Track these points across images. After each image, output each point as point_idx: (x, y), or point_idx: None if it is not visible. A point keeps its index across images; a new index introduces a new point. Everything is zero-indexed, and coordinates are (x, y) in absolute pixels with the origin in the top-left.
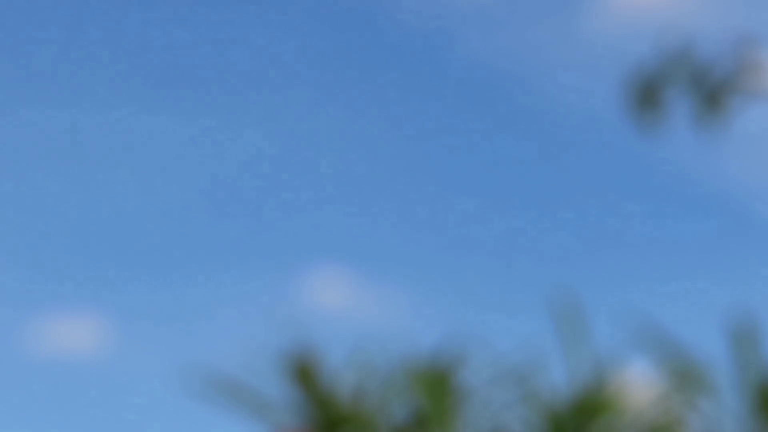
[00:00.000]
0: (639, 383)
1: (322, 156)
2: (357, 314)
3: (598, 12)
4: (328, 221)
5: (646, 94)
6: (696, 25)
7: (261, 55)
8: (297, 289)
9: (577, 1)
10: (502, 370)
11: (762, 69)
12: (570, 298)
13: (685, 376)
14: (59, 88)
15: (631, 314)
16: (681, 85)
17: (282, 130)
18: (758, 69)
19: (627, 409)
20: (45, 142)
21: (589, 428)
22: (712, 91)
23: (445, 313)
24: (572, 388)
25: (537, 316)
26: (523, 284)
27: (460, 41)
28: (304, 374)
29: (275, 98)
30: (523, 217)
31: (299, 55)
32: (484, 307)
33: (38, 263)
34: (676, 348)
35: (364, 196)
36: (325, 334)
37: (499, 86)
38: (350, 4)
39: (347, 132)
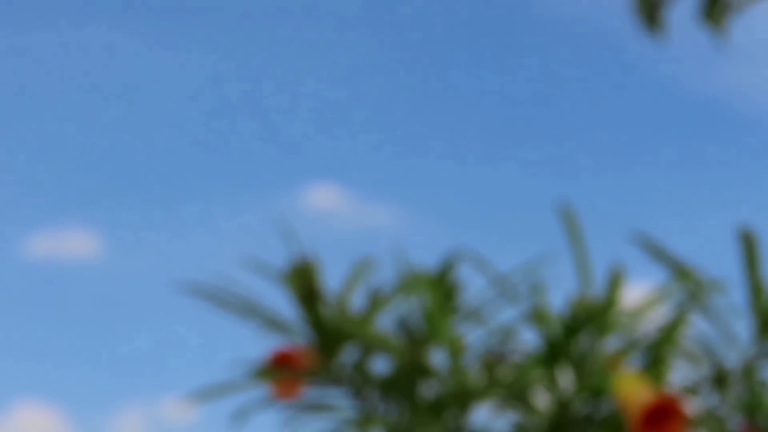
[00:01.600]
0: (641, 300)
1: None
2: (353, 233)
3: None
4: (325, 141)
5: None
6: None
7: None
8: (294, 207)
9: None
10: (501, 288)
11: None
12: (573, 215)
13: (690, 293)
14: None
15: (636, 233)
16: None
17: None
18: None
19: (626, 326)
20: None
21: (585, 345)
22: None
23: (444, 234)
24: (572, 304)
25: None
26: (525, 204)
27: None
28: (303, 282)
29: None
30: (526, 139)
31: None
32: (485, 230)
33: (41, 180)
34: (680, 266)
35: (362, 119)
36: (322, 250)
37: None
38: None
39: (336, 58)
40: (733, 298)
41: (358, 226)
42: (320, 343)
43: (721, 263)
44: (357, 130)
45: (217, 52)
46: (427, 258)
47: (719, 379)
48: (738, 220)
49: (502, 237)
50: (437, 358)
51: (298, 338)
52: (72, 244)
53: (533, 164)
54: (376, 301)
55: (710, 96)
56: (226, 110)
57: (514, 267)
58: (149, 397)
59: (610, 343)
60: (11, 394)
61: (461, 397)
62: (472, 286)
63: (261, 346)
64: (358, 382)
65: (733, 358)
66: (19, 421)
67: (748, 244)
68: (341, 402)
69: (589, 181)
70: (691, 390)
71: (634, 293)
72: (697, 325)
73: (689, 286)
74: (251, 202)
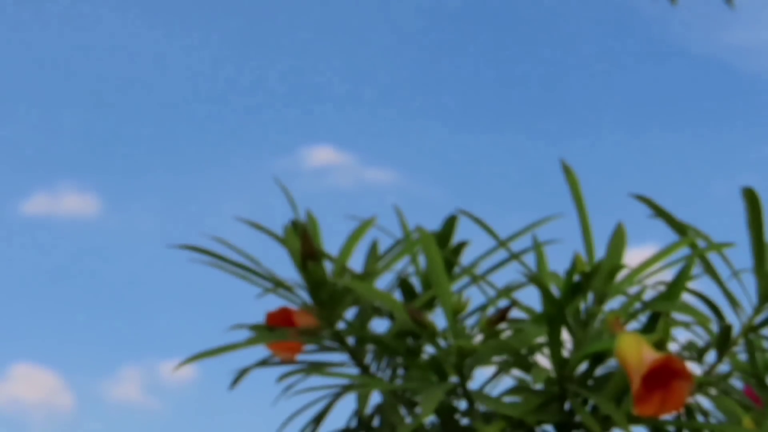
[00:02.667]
0: (644, 261)
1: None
2: (353, 195)
3: None
4: (322, 108)
5: None
6: None
7: None
8: (293, 170)
9: None
10: (503, 249)
11: None
12: (575, 176)
13: (694, 254)
14: None
15: (640, 195)
16: None
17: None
18: None
19: (628, 286)
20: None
21: (588, 306)
22: None
23: (444, 198)
24: (574, 265)
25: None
26: (527, 169)
27: None
28: (303, 242)
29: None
30: (524, 91)
31: None
32: (487, 195)
33: (39, 143)
34: (685, 227)
35: (362, 85)
36: (321, 210)
37: None
38: None
39: (337, 25)
40: (738, 260)
41: (358, 189)
42: (320, 303)
43: (726, 226)
44: (357, 96)
45: (217, 25)
46: (427, 220)
47: (722, 341)
48: (744, 182)
49: (503, 201)
50: (438, 318)
51: (298, 298)
52: (69, 205)
53: (535, 129)
54: (376, 261)
55: (717, 57)
56: (224, 77)
57: (515, 229)
58: (147, 360)
59: (613, 304)
60: (8, 359)
61: (462, 358)
62: (474, 246)
63: (260, 306)
64: (358, 342)
65: (736, 321)
66: (17, 385)
67: (753, 205)
68: (341, 362)
69: (593, 145)
70: (694, 351)
71: (637, 256)
72: (700, 287)
73: (693, 247)
74: (250, 166)
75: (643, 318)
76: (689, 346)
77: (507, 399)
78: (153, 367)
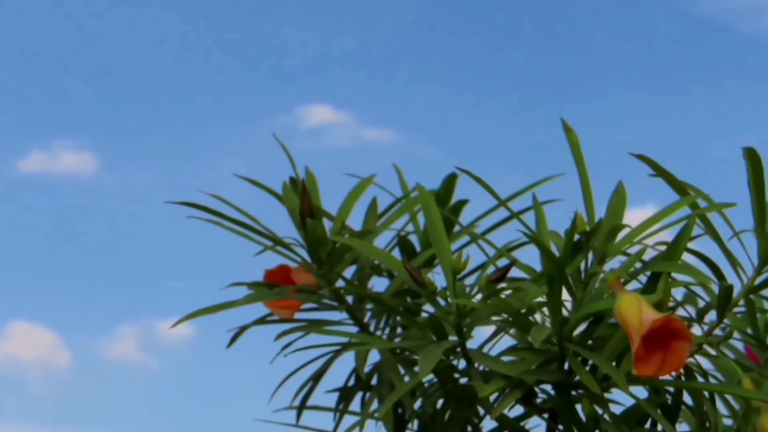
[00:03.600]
0: (645, 220)
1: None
2: (352, 154)
3: None
4: (320, 67)
5: None
6: None
7: None
8: (292, 129)
9: None
10: (503, 208)
11: None
12: (576, 136)
13: (695, 213)
14: None
15: (642, 155)
16: None
17: None
18: None
19: (629, 246)
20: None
21: (588, 265)
22: None
23: (443, 160)
24: (574, 224)
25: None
26: (529, 128)
27: None
28: (302, 200)
29: None
30: (524, 52)
31: None
32: (487, 157)
33: (36, 100)
34: (686, 186)
35: (358, 43)
36: (321, 169)
37: None
38: None
39: None
40: (739, 221)
41: (356, 148)
42: (319, 261)
43: (727, 187)
44: (355, 56)
45: None
46: (425, 181)
47: (723, 302)
48: (744, 143)
49: (503, 162)
50: (437, 277)
51: (297, 256)
52: (66, 163)
53: (535, 90)
54: (375, 220)
55: (717, 18)
56: (222, 37)
57: (515, 190)
58: (144, 319)
59: (613, 264)
60: (4, 317)
61: (461, 317)
62: (473, 206)
63: (259, 264)
64: (357, 300)
65: (737, 281)
66: (13, 343)
67: (754, 165)
68: (340, 320)
69: (593, 106)
70: (695, 311)
71: (637, 217)
72: (701, 248)
73: (694, 207)
74: (248, 125)
75: (643, 278)
76: (689, 300)
77: (506, 358)
78: (150, 325)
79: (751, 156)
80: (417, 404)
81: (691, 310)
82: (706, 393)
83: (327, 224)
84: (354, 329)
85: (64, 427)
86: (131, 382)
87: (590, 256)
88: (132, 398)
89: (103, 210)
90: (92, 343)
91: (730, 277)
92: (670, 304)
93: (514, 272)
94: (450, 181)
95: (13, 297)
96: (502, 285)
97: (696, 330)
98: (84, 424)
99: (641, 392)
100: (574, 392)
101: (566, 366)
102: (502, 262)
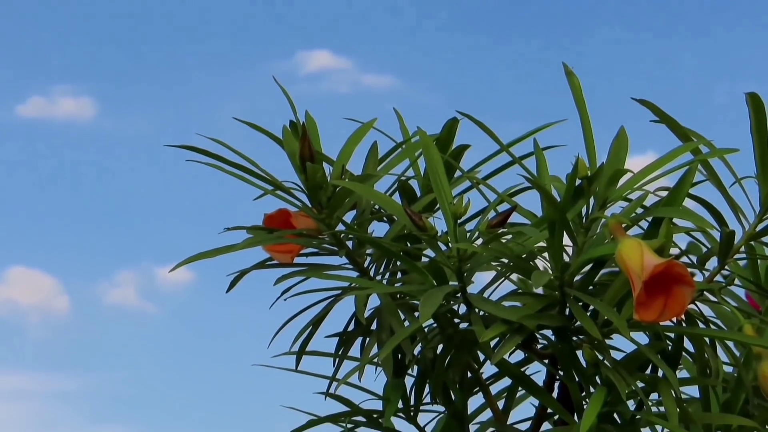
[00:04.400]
0: (647, 166)
1: None
2: (353, 98)
3: None
4: (320, 12)
5: None
6: None
7: None
8: (293, 73)
9: None
10: (505, 153)
11: None
12: (578, 81)
13: (697, 159)
14: None
15: (645, 101)
16: None
17: None
18: None
19: (630, 191)
20: None
21: (589, 211)
22: None
23: (444, 105)
24: (576, 170)
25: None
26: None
27: None
28: (302, 144)
29: None
30: (530, 8)
31: None
32: (488, 102)
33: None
34: (688, 132)
35: None
36: (321, 113)
37: None
38: None
39: None
40: (742, 167)
41: (356, 94)
42: (319, 205)
43: (729, 134)
44: (355, 1)
45: None
46: (426, 127)
47: (724, 248)
48: (746, 89)
49: (504, 109)
50: (438, 221)
51: (297, 201)
52: (65, 109)
53: (536, 35)
54: (376, 164)
55: None
56: None
57: (516, 136)
58: (143, 265)
59: (615, 209)
60: (4, 262)
61: (462, 262)
62: (474, 151)
63: (258, 208)
64: (357, 244)
65: (739, 227)
66: (13, 289)
67: (758, 111)
68: (340, 265)
69: (594, 51)
70: (696, 258)
71: (639, 164)
72: (703, 194)
73: (696, 152)
74: (248, 70)
75: (644, 223)
76: (691, 247)
77: (507, 303)
78: (149, 271)
79: (754, 102)
80: (417, 349)
81: (693, 257)
82: (707, 339)
83: (327, 168)
84: (354, 274)
85: (63, 372)
86: (130, 328)
87: (591, 201)
88: (131, 343)
89: (101, 155)
90: (91, 288)
91: (732, 223)
92: (672, 250)
93: (515, 217)
94: (451, 126)
95: (13, 242)
96: (503, 230)
97: (697, 276)
98: (83, 369)
99: (642, 338)
100: (574, 338)
101: (567, 311)
102: (503, 206)
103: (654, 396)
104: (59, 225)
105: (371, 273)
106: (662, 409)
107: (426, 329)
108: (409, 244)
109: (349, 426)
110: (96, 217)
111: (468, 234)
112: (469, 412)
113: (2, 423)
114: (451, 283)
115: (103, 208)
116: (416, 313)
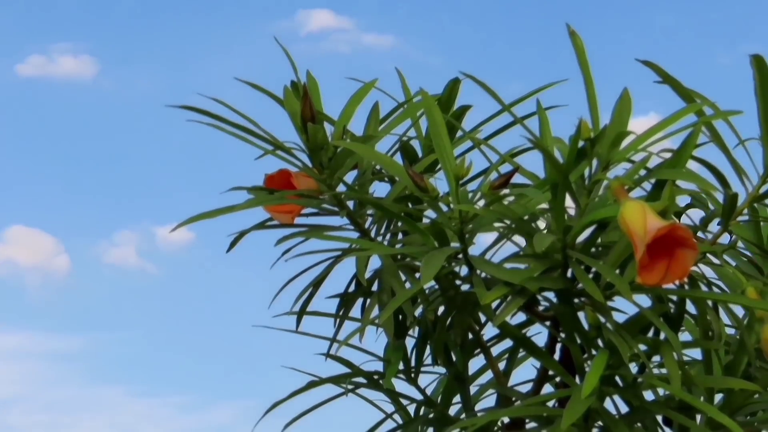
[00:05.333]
0: (650, 127)
1: None
2: (354, 58)
3: None
4: None
5: None
6: None
7: None
8: (294, 33)
9: None
10: (507, 113)
11: None
12: (581, 41)
13: (701, 120)
14: None
15: (649, 62)
16: None
17: None
18: None
19: (634, 152)
20: None
21: (592, 172)
22: None
23: (445, 65)
24: (579, 130)
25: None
26: (532, 35)
27: None
28: (303, 104)
29: None
30: None
31: None
32: (489, 62)
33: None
34: (691, 93)
35: None
36: (323, 73)
37: None
38: None
39: None
40: (745, 130)
41: (357, 54)
42: (320, 166)
43: (731, 97)
44: None
45: None
46: (427, 87)
47: (728, 210)
48: (749, 51)
49: (506, 69)
50: (440, 182)
51: (297, 161)
52: (65, 67)
53: None
54: (377, 124)
55: None
56: None
57: (519, 95)
58: (144, 225)
59: (618, 171)
60: (3, 222)
61: (464, 223)
62: (476, 112)
63: (259, 169)
64: (358, 205)
65: (742, 190)
66: (12, 248)
67: (762, 73)
68: (341, 226)
69: (597, 14)
70: (699, 220)
71: (642, 126)
72: (707, 156)
73: (700, 114)
74: (248, 29)
75: (647, 185)
76: (695, 204)
77: (508, 265)
78: (149, 231)
79: (758, 63)
80: (418, 311)
81: (696, 219)
82: (709, 302)
83: (328, 129)
84: (355, 235)
85: (63, 332)
86: (130, 288)
87: (594, 162)
88: (131, 304)
89: (101, 114)
90: (91, 248)
91: (735, 185)
92: (676, 212)
93: (517, 178)
94: (453, 87)
95: (12, 201)
96: (505, 191)
97: (700, 237)
98: (83, 329)
99: (644, 301)
100: (576, 300)
101: (569, 273)
102: (505, 168)
103: (656, 359)
104: (59, 184)
105: (372, 234)
106: (664, 371)
107: (427, 291)
108: (410, 205)
109: (349, 387)
110: (95, 176)
111: (470, 195)
112: (470, 374)
113: (2, 382)
114: (452, 244)
115: (104, 167)
116: (417, 275)
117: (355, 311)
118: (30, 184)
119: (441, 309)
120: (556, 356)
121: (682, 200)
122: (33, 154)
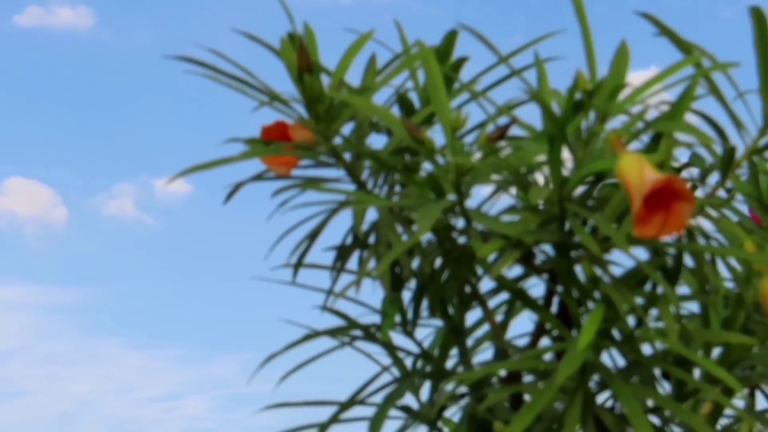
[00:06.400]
0: (648, 79)
1: None
2: (352, 8)
3: None
4: None
5: None
6: None
7: None
8: None
9: None
10: (505, 65)
11: None
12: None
13: (699, 72)
14: None
15: (647, 15)
16: None
17: None
18: None
19: (631, 104)
20: None
21: (590, 125)
22: None
23: (441, 18)
24: (576, 83)
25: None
26: None
27: None
28: (300, 55)
29: None
30: None
31: None
32: (489, 15)
33: None
34: (690, 45)
35: None
36: (320, 23)
37: None
38: None
39: None
40: (744, 82)
41: (355, 5)
42: (316, 117)
43: (731, 51)
44: None
45: None
46: (425, 40)
47: (726, 163)
48: (751, 2)
49: (504, 22)
50: (436, 134)
51: (294, 112)
52: (63, 18)
53: None
54: (374, 76)
55: None
56: None
57: (517, 47)
58: (141, 176)
59: (615, 123)
60: (1, 173)
61: (460, 175)
62: (474, 63)
63: (256, 120)
64: (355, 157)
65: (741, 142)
66: (10, 199)
67: (760, 25)
68: (337, 178)
69: None
70: (698, 172)
71: (640, 79)
72: (705, 108)
73: (698, 66)
74: None
75: (645, 138)
76: (693, 161)
77: (505, 218)
78: (147, 183)
79: (757, 16)
80: (415, 263)
81: (694, 171)
82: (707, 255)
83: (325, 80)
84: (351, 187)
85: (61, 284)
86: (128, 240)
87: (592, 115)
88: (128, 255)
89: (99, 65)
90: (89, 200)
91: (734, 138)
92: (673, 164)
93: (515, 130)
94: (450, 38)
95: (10, 153)
96: (502, 143)
97: (698, 191)
98: (81, 281)
99: (642, 254)
100: (573, 253)
101: (566, 226)
102: (503, 120)
103: (654, 312)
104: (57, 136)
105: (369, 186)
106: (662, 325)
107: (424, 243)
108: (407, 157)
109: (346, 340)
110: (94, 128)
111: (467, 147)
112: (466, 327)
113: (1, 334)
114: (449, 196)
115: (101, 119)
116: (414, 227)
117: (352, 264)
118: (28, 136)
119: (438, 261)
120: (554, 309)
121: (681, 153)
122: (31, 107)
